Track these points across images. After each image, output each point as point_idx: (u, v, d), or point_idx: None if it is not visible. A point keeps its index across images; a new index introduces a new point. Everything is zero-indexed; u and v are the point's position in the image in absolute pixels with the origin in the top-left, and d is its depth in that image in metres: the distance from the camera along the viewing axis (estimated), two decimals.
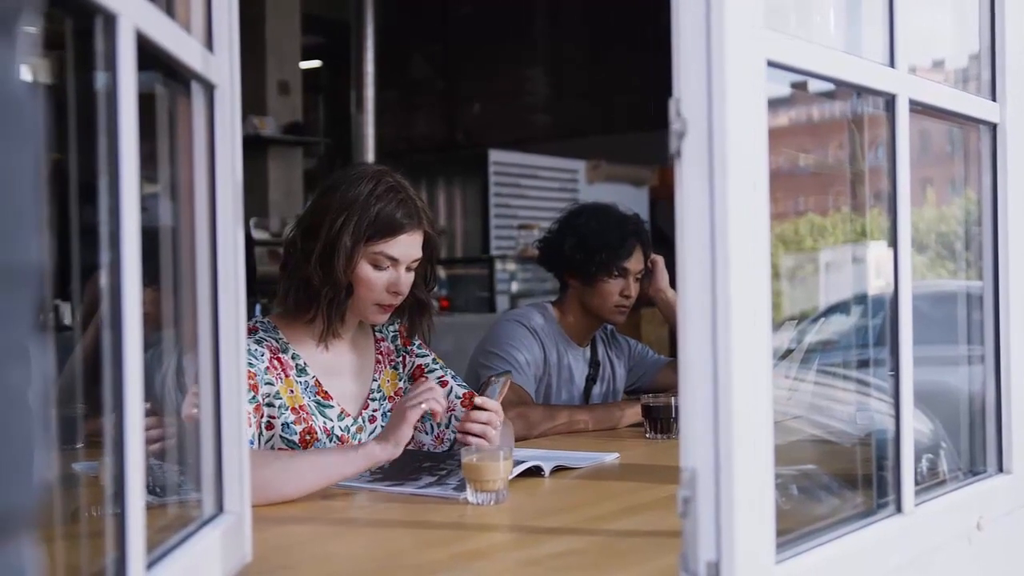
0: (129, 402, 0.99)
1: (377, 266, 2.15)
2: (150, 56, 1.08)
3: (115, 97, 0.98)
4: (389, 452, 1.93)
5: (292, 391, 2.15)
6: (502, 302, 7.40)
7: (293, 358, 2.19)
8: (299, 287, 2.17)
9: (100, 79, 0.99)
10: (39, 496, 0.57)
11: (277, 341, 2.19)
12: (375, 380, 2.31)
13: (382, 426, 2.25)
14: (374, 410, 2.29)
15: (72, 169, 1.02)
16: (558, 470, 2.14)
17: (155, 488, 1.36)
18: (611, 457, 2.32)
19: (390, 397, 2.31)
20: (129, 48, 0.99)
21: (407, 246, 2.16)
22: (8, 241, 0.53)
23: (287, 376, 2.16)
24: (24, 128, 0.54)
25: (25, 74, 0.56)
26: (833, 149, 1.96)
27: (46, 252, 0.57)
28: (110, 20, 0.97)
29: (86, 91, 1.01)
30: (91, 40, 0.98)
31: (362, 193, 2.13)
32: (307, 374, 2.19)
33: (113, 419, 0.98)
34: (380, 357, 2.34)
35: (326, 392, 2.20)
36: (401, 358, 2.36)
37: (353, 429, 2.22)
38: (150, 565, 1.06)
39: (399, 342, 2.37)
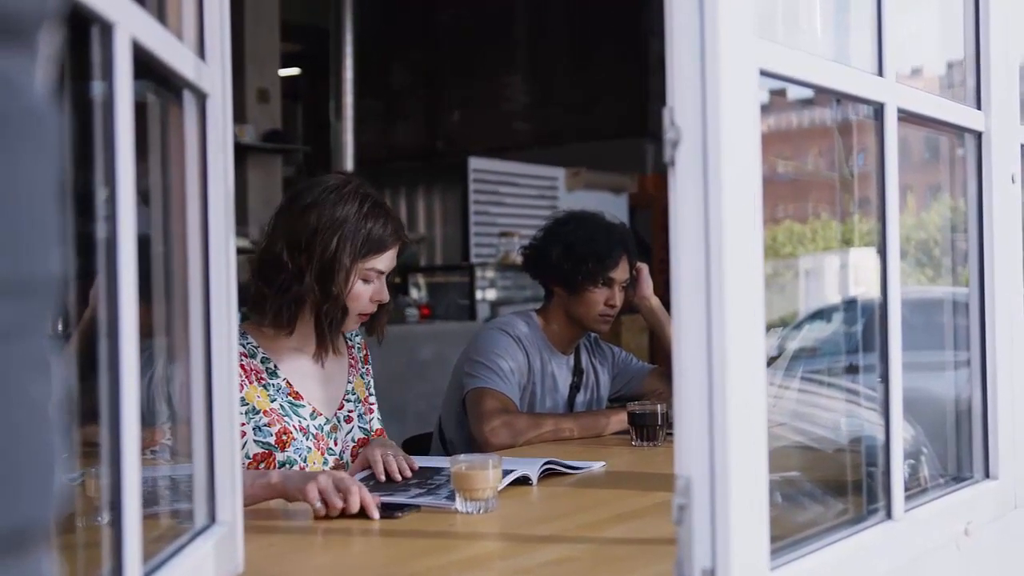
0: (125, 413, 0.98)
1: (366, 280, 2.24)
2: (143, 64, 1.08)
3: (112, 106, 0.97)
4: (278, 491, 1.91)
5: (259, 396, 2.20)
6: (483, 310, 7.39)
7: (263, 362, 2.24)
8: (292, 304, 2.21)
9: (96, 87, 0.98)
10: (59, 508, 0.57)
11: (244, 346, 2.23)
12: (349, 382, 2.38)
13: (359, 427, 2.35)
14: (349, 411, 2.36)
15: (66, 178, 1.01)
16: (547, 474, 2.15)
17: (144, 497, 1.35)
18: (598, 466, 2.32)
19: (363, 400, 2.40)
20: (126, 57, 0.99)
21: (391, 259, 2.28)
22: (30, 253, 0.52)
23: (251, 382, 2.20)
24: (45, 140, 0.54)
25: (44, 86, 0.56)
26: (812, 156, 1.97)
27: (65, 264, 0.57)
28: (107, 29, 0.96)
29: (81, 99, 1.00)
30: (86, 48, 0.98)
31: (351, 212, 2.20)
32: (278, 377, 2.24)
33: (109, 430, 0.97)
34: (352, 362, 2.42)
35: (297, 393, 2.26)
36: (365, 370, 2.46)
37: (327, 428, 2.28)
38: None
39: (362, 355, 2.46)
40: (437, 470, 2.16)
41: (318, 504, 1.80)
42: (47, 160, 0.54)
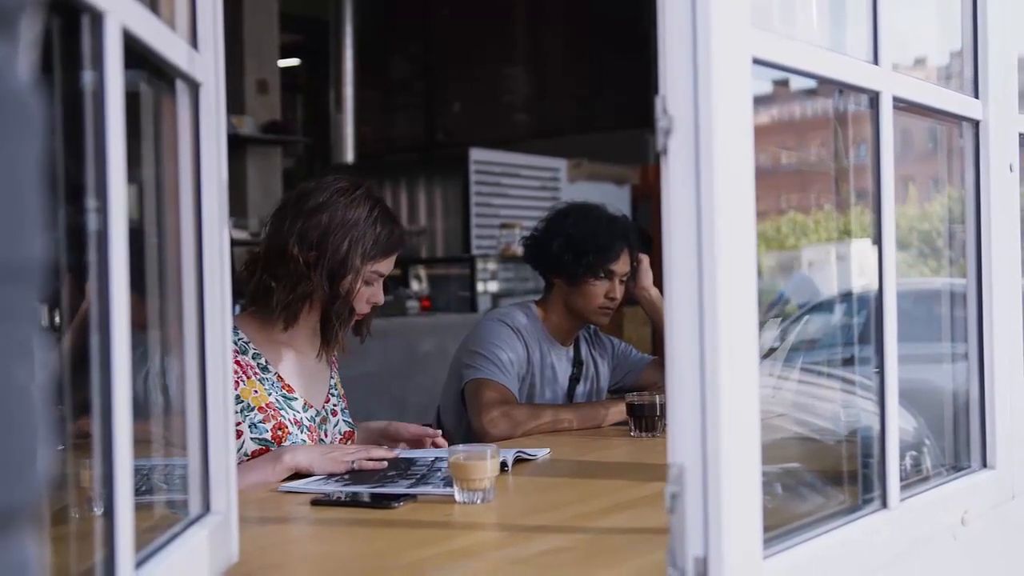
0: (117, 403, 0.98)
1: (368, 283, 2.28)
2: (134, 54, 1.08)
3: (102, 96, 0.97)
4: (296, 463, 2.08)
5: (256, 391, 2.21)
6: (484, 302, 7.39)
7: (254, 358, 2.26)
8: (299, 301, 2.23)
9: (86, 77, 0.98)
10: (43, 492, 0.57)
11: (236, 342, 2.23)
12: (332, 378, 2.42)
13: (344, 420, 2.40)
14: (334, 404, 2.40)
15: (56, 168, 1.01)
16: (548, 466, 2.16)
17: (139, 488, 1.35)
18: (544, 452, 2.33)
19: (343, 395, 2.45)
20: (116, 46, 0.98)
21: (392, 263, 2.33)
22: (13, 237, 0.53)
23: (249, 377, 2.22)
24: (28, 125, 0.54)
25: (27, 72, 0.56)
26: (814, 147, 1.96)
27: (48, 249, 0.57)
28: (97, 18, 0.96)
29: (71, 89, 1.00)
30: (77, 38, 0.97)
31: (362, 216, 2.24)
32: (269, 371, 2.26)
33: (101, 420, 0.97)
34: (333, 359, 2.45)
35: (289, 386, 2.28)
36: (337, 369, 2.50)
37: (318, 420, 2.32)
38: (138, 564, 1.05)
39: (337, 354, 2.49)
40: (412, 460, 2.18)
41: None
42: (30, 145, 0.55)
